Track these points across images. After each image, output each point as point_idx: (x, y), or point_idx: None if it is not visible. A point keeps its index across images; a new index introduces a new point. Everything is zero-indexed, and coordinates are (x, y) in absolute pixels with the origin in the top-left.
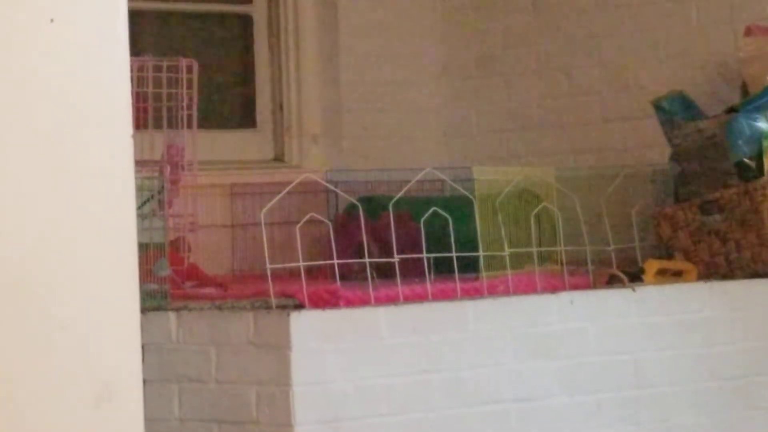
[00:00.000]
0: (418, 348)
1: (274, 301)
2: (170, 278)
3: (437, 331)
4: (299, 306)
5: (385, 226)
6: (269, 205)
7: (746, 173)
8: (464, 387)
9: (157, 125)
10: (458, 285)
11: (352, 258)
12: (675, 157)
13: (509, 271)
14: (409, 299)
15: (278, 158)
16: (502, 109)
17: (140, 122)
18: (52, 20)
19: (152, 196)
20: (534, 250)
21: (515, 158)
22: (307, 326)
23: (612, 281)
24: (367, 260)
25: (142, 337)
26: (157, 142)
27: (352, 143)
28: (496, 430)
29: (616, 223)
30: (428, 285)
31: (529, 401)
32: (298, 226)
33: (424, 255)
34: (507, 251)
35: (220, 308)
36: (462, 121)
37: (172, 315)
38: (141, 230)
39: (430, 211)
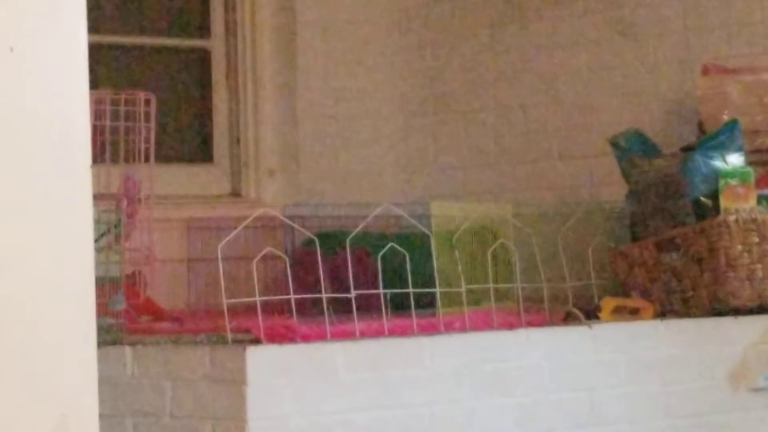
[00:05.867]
0: (375, 384)
1: (230, 335)
2: (126, 312)
3: (394, 367)
4: (255, 341)
5: (342, 262)
6: (227, 239)
7: (702, 211)
8: (421, 423)
9: (114, 159)
10: (415, 321)
11: (309, 293)
12: (631, 195)
13: (466, 308)
14: (365, 335)
15: (235, 193)
16: (460, 146)
17: (97, 156)
18: (11, 50)
19: (108, 230)
20: (491, 286)
21: (472, 194)
22: (264, 361)
23: (568, 318)
24: (323, 295)
25: (98, 371)
26: (114, 175)
27: (310, 178)
28: None
29: (572, 261)
30: (385, 321)
31: None
32: (255, 260)
33: (381, 291)
34: (464, 288)
35: (175, 342)
36: (419, 157)
37: (127, 349)
38: (97, 264)
39: (387, 246)
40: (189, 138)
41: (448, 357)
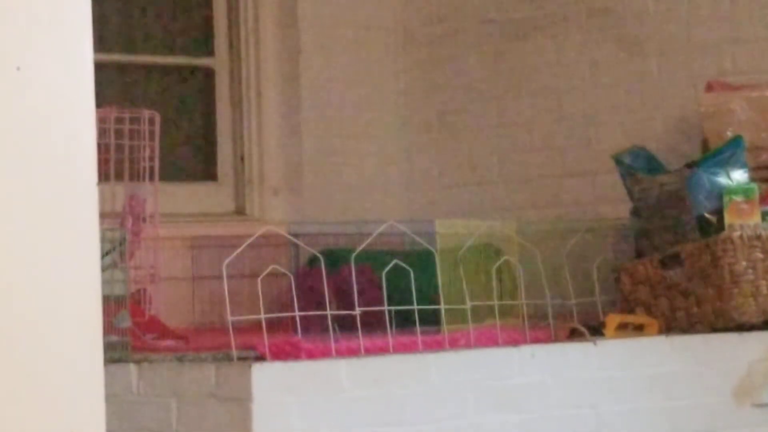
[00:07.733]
0: (380, 401)
1: (235, 353)
2: (131, 330)
3: (398, 384)
4: (261, 358)
5: (346, 279)
6: (231, 256)
7: (707, 228)
8: None
9: (119, 177)
10: (420, 338)
11: (314, 310)
12: (635, 212)
13: (471, 325)
14: (370, 352)
15: (239, 211)
16: (464, 163)
17: (102, 174)
18: (17, 68)
19: (113, 248)
20: (495, 303)
21: (476, 212)
22: (269, 378)
23: (573, 335)
24: (328, 312)
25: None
26: (118, 194)
27: (314, 196)
28: None
29: (577, 277)
30: (390, 338)
31: None
32: (260, 278)
33: (386, 308)
34: (468, 305)
35: (181, 360)
36: (423, 174)
37: (133, 367)
38: (102, 282)
39: (392, 264)
40: (193, 156)
41: (453, 374)
